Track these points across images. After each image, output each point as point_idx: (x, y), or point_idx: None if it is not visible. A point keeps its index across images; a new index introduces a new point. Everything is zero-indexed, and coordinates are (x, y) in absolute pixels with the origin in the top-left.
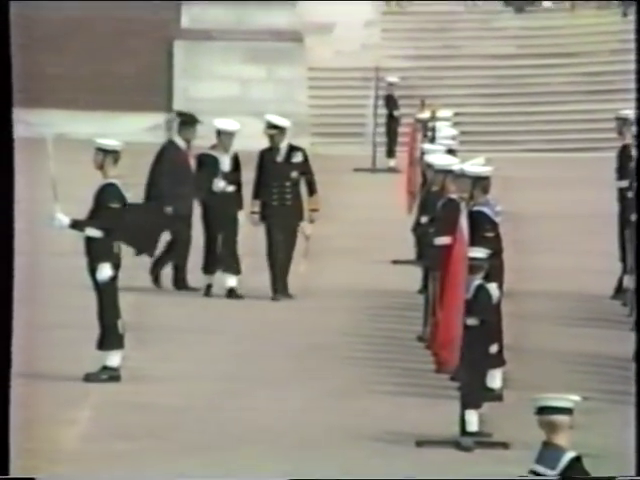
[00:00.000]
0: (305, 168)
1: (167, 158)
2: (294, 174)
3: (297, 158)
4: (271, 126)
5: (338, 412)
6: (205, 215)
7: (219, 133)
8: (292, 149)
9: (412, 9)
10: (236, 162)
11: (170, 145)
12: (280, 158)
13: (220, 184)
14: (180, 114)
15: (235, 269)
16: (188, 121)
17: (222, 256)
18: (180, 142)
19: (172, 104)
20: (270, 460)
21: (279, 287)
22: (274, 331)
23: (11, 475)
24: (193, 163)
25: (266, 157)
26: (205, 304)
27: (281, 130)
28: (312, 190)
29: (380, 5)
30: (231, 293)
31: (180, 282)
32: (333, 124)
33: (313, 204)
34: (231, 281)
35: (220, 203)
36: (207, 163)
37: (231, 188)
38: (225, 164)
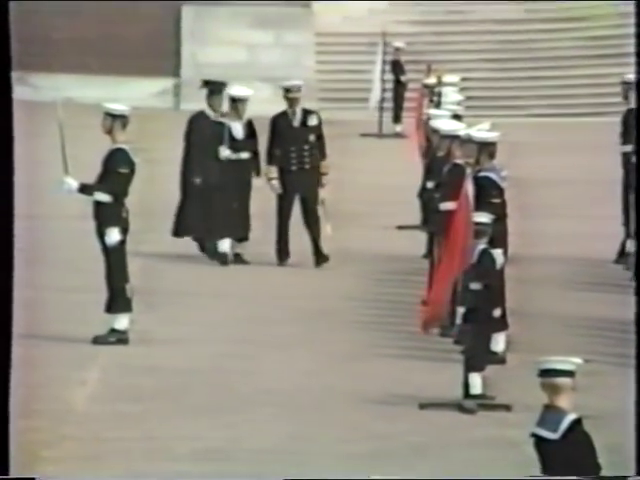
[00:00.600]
0: (319, 131)
1: (196, 129)
2: (312, 137)
3: (313, 121)
4: (294, 89)
5: (344, 375)
6: (219, 182)
7: (232, 100)
8: (307, 112)
9: None
10: (250, 129)
11: (199, 115)
12: (297, 122)
13: (225, 152)
14: (206, 82)
15: (242, 236)
16: (215, 89)
17: (233, 222)
18: (209, 111)
19: (180, 69)
20: (276, 422)
21: (317, 254)
22: (281, 295)
23: (11, 475)
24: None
25: (281, 122)
26: (212, 269)
27: (300, 92)
28: (323, 154)
29: None
30: (237, 258)
31: (204, 249)
32: (340, 89)
33: (323, 168)
34: (237, 247)
35: (233, 170)
36: (216, 130)
37: (245, 155)
38: (238, 131)
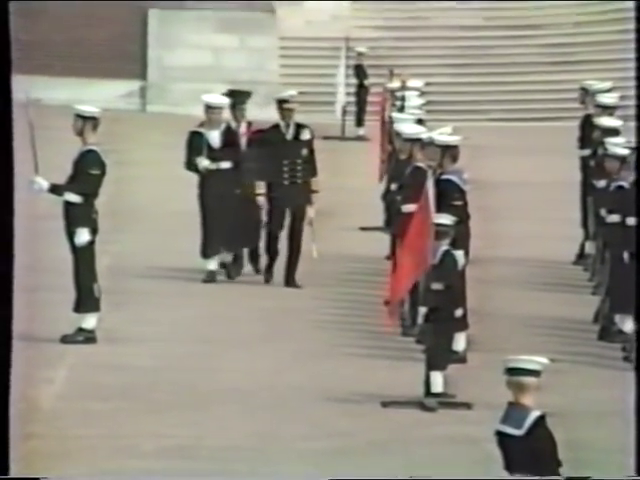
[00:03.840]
0: (311, 146)
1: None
2: (304, 151)
3: (306, 135)
4: (292, 99)
5: (307, 373)
6: (200, 195)
7: (207, 108)
8: (299, 126)
9: None
10: (229, 137)
11: (226, 127)
12: (289, 136)
13: (204, 162)
14: (231, 92)
15: (233, 251)
16: (236, 100)
17: (221, 237)
18: (232, 122)
19: (146, 72)
20: (240, 419)
21: (289, 273)
22: (245, 295)
23: (11, 475)
24: (244, 142)
25: (273, 135)
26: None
27: (295, 103)
28: (314, 170)
29: None
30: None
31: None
32: (303, 93)
33: (314, 184)
34: (227, 258)
35: (214, 181)
36: (194, 141)
37: (225, 165)
38: (215, 140)
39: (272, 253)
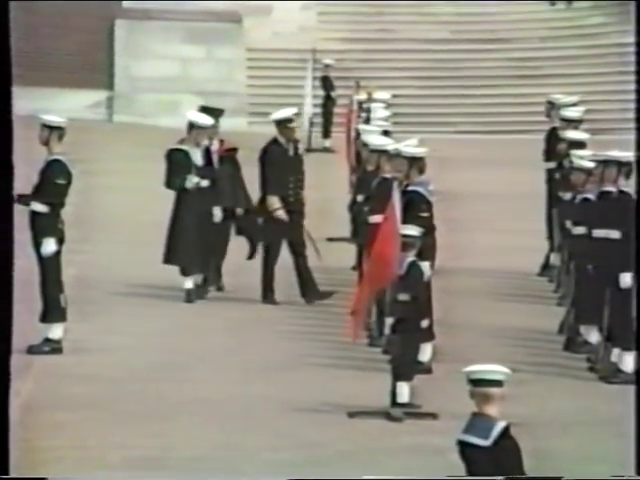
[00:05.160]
0: (302, 160)
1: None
2: (303, 166)
3: (301, 149)
4: (296, 118)
5: (274, 384)
6: (177, 212)
7: (191, 126)
8: (295, 141)
9: None
10: (208, 155)
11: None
12: (291, 152)
13: (194, 179)
14: (203, 108)
15: (201, 268)
16: (212, 116)
17: (193, 254)
18: (206, 141)
19: (113, 82)
20: (208, 430)
21: (310, 288)
22: (213, 305)
23: (11, 475)
24: (216, 159)
25: (276, 151)
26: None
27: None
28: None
29: None
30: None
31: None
32: (270, 104)
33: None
34: (198, 279)
35: (195, 199)
36: (178, 158)
37: (205, 183)
38: (197, 158)
39: (272, 271)
